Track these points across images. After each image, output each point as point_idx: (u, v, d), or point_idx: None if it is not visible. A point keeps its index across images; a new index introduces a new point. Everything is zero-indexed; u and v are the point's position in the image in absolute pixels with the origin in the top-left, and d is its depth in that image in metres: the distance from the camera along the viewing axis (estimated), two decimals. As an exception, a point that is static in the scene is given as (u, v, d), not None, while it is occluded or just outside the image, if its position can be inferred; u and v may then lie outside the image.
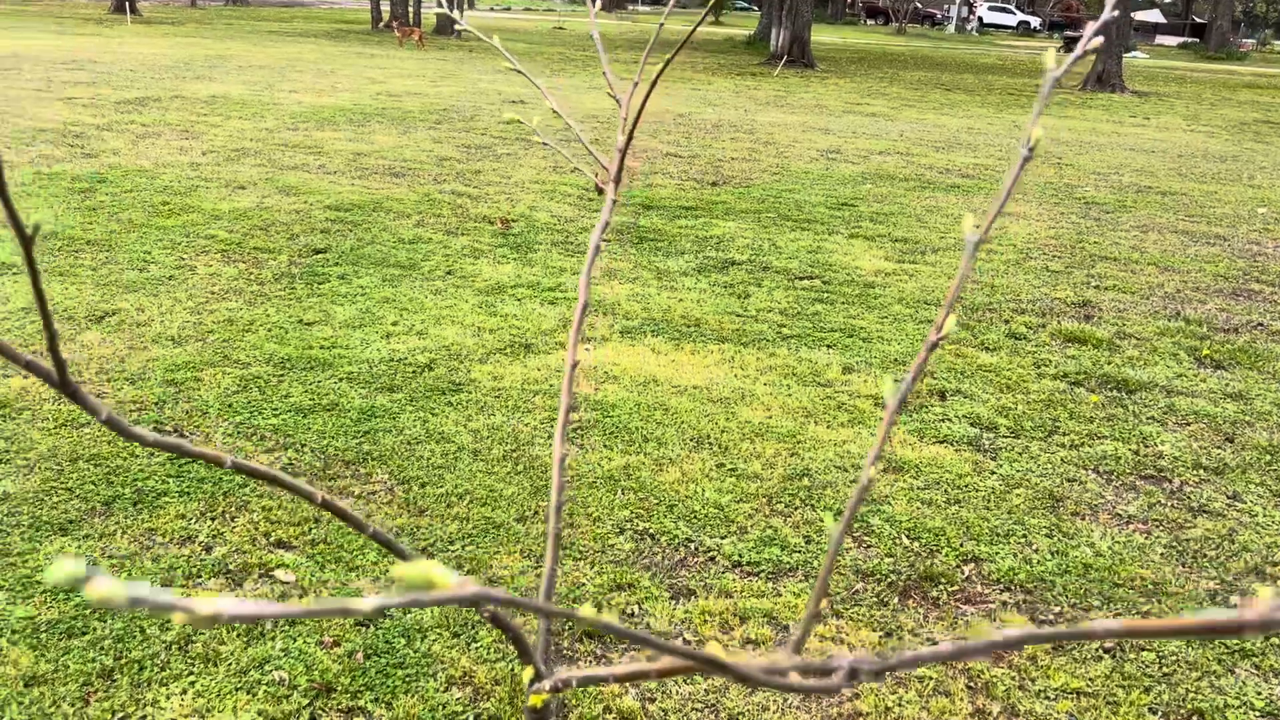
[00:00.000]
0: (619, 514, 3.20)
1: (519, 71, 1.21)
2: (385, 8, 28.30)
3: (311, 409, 3.80)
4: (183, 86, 12.94)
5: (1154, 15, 62.75)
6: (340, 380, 4.08)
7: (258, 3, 42.81)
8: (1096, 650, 2.67)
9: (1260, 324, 5.51)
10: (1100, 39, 0.67)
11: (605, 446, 3.65)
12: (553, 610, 0.37)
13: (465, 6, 30.80)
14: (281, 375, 4.09)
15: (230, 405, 3.79)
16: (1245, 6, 68.57)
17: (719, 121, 12.90)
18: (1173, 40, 56.07)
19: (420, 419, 3.79)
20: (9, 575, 2.69)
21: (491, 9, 52.18)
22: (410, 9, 28.85)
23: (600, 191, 1.14)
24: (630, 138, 1.15)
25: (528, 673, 0.92)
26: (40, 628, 2.49)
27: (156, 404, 3.77)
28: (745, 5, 56.02)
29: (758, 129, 12.39)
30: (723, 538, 3.10)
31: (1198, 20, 57.34)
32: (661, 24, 1.21)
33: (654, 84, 1.19)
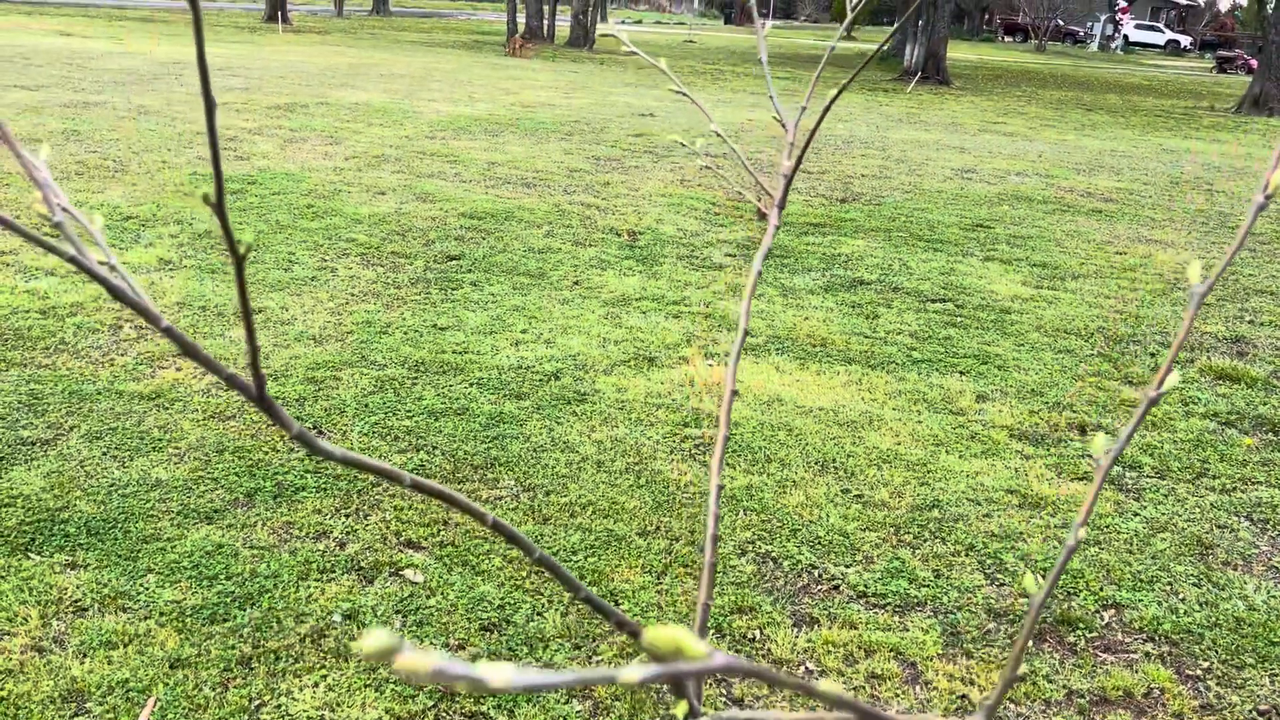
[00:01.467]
0: (740, 535, 3.17)
1: (683, 93, 1.20)
2: (521, 20, 28.95)
3: (443, 412, 3.89)
4: (328, 93, 13.49)
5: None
6: (471, 385, 4.17)
7: (399, 13, 44.39)
8: (1250, 712, 2.50)
9: None
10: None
11: (728, 465, 3.62)
12: (789, 682, 0.35)
13: (599, 20, 31.26)
14: (415, 378, 4.20)
15: (366, 405, 3.90)
16: None
17: (850, 137, 12.72)
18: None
19: (546, 427, 3.83)
20: (159, 559, 2.83)
21: (623, 22, 52.80)
22: (545, 21, 29.43)
23: (763, 217, 1.12)
24: (799, 163, 1.12)
25: (681, 708, 0.90)
26: (186, 612, 2.61)
27: (297, 400, 3.92)
28: (882, 20, 55.27)
29: (889, 146, 12.17)
30: (848, 566, 3.04)
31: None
32: (833, 47, 1.18)
33: (826, 111, 1.16)
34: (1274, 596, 3.01)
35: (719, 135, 1.33)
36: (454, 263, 5.93)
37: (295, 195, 7.28)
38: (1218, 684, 2.60)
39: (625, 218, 7.38)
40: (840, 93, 1.14)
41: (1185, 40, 59.45)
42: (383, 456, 3.51)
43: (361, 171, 8.37)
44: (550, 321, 5.03)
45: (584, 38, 27.99)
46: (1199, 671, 2.65)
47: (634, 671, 0.30)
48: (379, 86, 15.05)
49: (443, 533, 3.04)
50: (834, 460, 3.73)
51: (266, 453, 3.45)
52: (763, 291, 5.80)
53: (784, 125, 1.25)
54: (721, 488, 0.97)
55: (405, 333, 4.72)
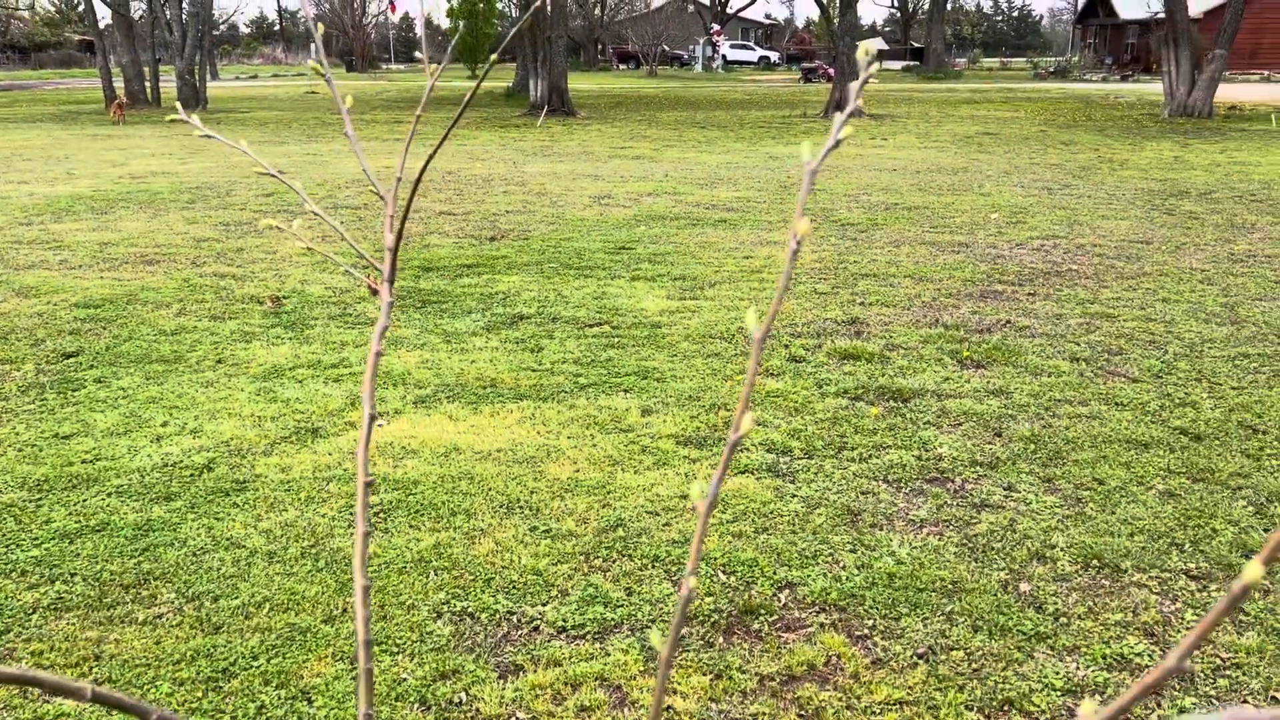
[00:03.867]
0: (434, 597, 3.08)
1: (274, 175, 1.14)
2: (119, 85, 26.63)
3: (78, 532, 3.45)
4: (-113, 186, 11.66)
5: (878, 43, 68.13)
6: (109, 496, 3.74)
7: (-31, 87, 39.29)
8: (911, 658, 2.79)
9: (1008, 321, 6.02)
10: (854, 86, 0.70)
11: (411, 527, 3.52)
12: None
13: (208, 79, 29.47)
14: (39, 499, 3.70)
15: (-21, 542, 3.38)
16: (954, 30, 75.69)
17: (489, 175, 12.90)
18: (897, 64, 61.02)
19: (205, 526, 3.52)
20: None
21: (237, 78, 50.19)
22: (148, 84, 27.29)
23: (374, 293, 1.09)
24: (400, 236, 1.10)
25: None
26: None
27: (-113, 553, 3.32)
28: (505, 58, 56.66)
29: (528, 180, 12.48)
30: (545, 604, 3.05)
31: (916, 45, 62.72)
32: (430, 86, 1.17)
33: (420, 176, 1.15)
34: (915, 547, 3.39)
35: (318, 215, 1.28)
36: (71, 360, 5.32)
37: None
38: (882, 638, 2.88)
39: (266, 284, 6.99)
40: (437, 149, 1.13)
41: (774, 56, 66.18)
42: (9, 596, 3.06)
43: (-59, 272, 7.29)
44: (194, 409, 4.64)
45: (195, 98, 26.26)
46: (865, 630, 2.93)
47: None
48: (-47, 172, 13.22)
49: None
50: (518, 500, 3.74)
51: None
52: (425, 340, 5.71)
53: (381, 198, 1.22)
54: (368, 588, 0.92)
55: (20, 449, 4.15)
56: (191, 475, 3.93)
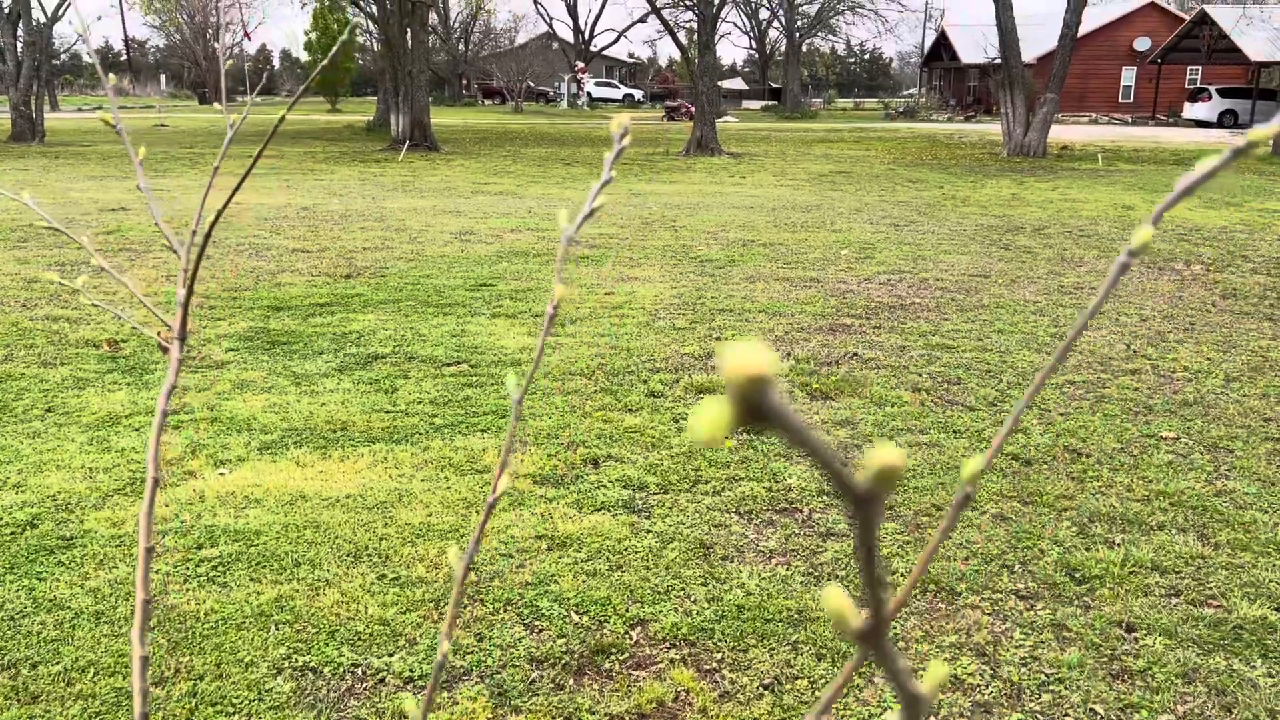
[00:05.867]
0: (274, 652, 2.97)
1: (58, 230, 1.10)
2: (-55, 114, 25.00)
3: (-122, 602, 3.19)
4: None
5: (738, 83, 70.15)
6: (-85, 559, 3.47)
7: None
8: (757, 689, 2.84)
9: (855, 354, 6.25)
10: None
11: (252, 580, 3.39)
12: None
13: (46, 110, 28.00)
14: None
15: None
16: (811, 71, 78.70)
17: (346, 212, 12.64)
18: (756, 104, 62.94)
19: (25, 587, 3.30)
20: None
21: (80, 109, 47.87)
22: (-23, 114, 25.70)
23: (164, 351, 1.06)
24: (191, 290, 1.08)
25: None
26: None
27: None
28: (365, 91, 55.82)
29: (388, 216, 12.29)
30: (391, 655, 2.97)
31: (774, 85, 64.87)
32: (234, 124, 1.15)
33: (211, 227, 1.12)
34: (764, 578, 3.46)
35: (104, 269, 1.24)
36: (-121, 413, 4.93)
37: None
38: (730, 670, 2.93)
39: (104, 327, 6.65)
40: (231, 196, 1.11)
41: (638, 94, 67.29)
42: None
43: None
44: (19, 461, 4.36)
45: (31, 131, 24.92)
46: (714, 664, 2.97)
47: None
48: None
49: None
50: (367, 547, 3.65)
51: None
52: (273, 383, 5.53)
53: (175, 251, 1.19)
54: (147, 659, 0.88)
55: None
56: (12, 533, 3.69)
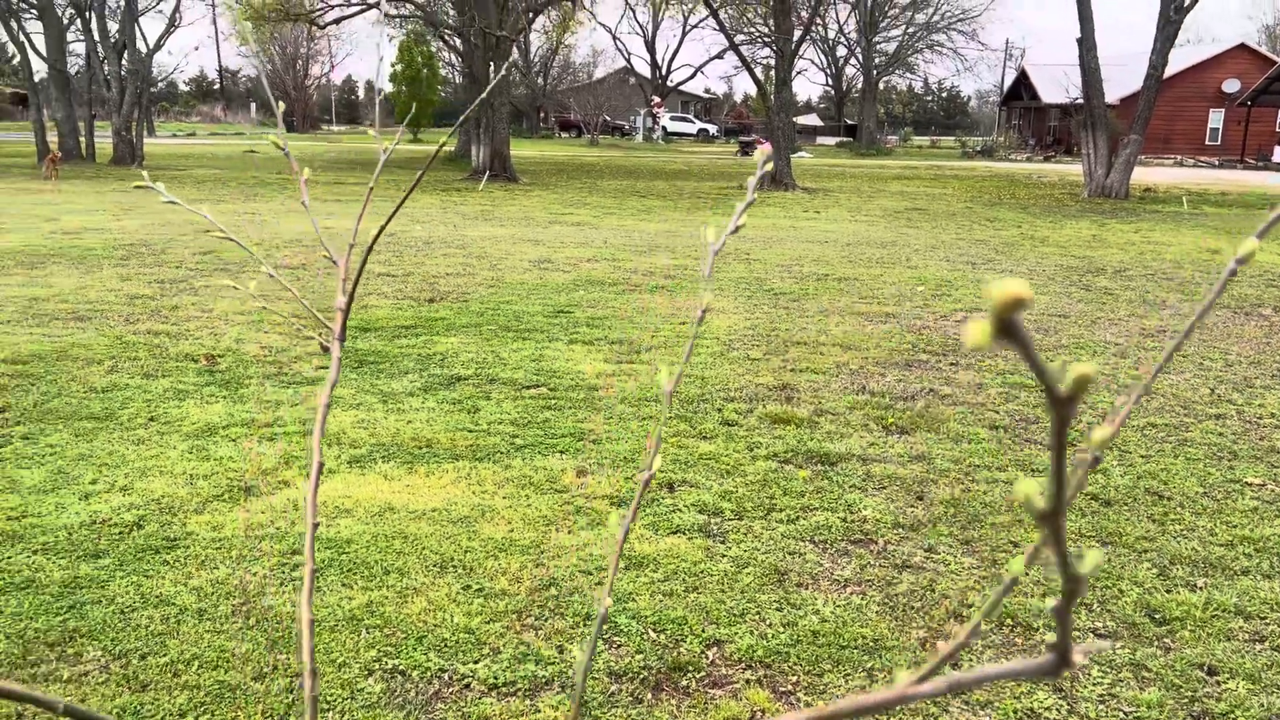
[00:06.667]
0: (365, 655, 3.10)
1: (228, 238, 1.24)
2: (54, 139, 26.30)
3: (1, 590, 3.40)
4: None
5: (813, 119, 70.26)
6: (34, 553, 3.69)
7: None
8: (833, 711, 2.88)
9: (931, 390, 6.25)
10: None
11: (344, 585, 3.53)
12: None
13: (145, 135, 29.24)
14: (-40, 556, 3.64)
15: (-103, 600, 3.32)
16: (886, 108, 78.45)
17: (429, 238, 12.99)
18: (831, 140, 62.90)
19: (134, 584, 3.49)
20: None
21: (174, 135, 49.85)
22: (83, 139, 27.00)
23: (325, 350, 1.18)
24: (351, 298, 1.20)
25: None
26: None
27: None
28: (444, 122, 57.14)
29: (469, 243, 12.60)
30: (476, 662, 3.08)
31: (849, 122, 64.79)
32: (388, 149, 1.28)
33: (371, 245, 1.25)
34: (839, 606, 3.50)
35: (273, 276, 1.37)
36: (-2, 416, 5.23)
37: None
38: (805, 694, 2.97)
39: (201, 342, 6.95)
40: (389, 220, 1.23)
41: (713, 129, 67.78)
42: (-73, 656, 3.00)
43: None
44: (125, 467, 4.60)
45: (131, 155, 26.04)
46: (789, 686, 3.02)
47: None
48: (-125, 222, 12.92)
49: (17, 728, 2.66)
50: (452, 559, 3.77)
51: None
52: (361, 400, 5.73)
53: (334, 261, 1.32)
54: (313, 621, 1.00)
55: (-58, 506, 4.08)
56: (121, 533, 3.90)
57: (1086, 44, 21.37)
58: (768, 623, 3.37)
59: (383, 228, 1.24)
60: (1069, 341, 7.71)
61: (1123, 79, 35.76)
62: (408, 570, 3.66)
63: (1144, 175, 29.46)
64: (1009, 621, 3.42)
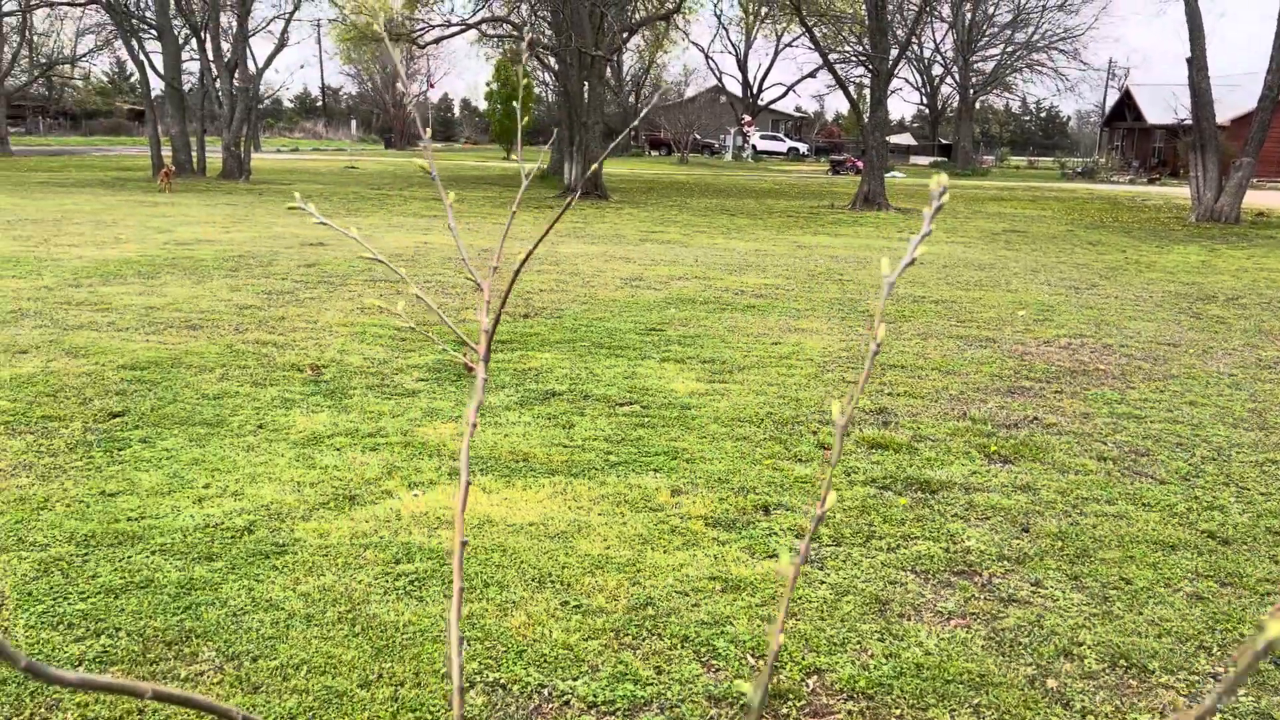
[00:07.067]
0: (467, 667, 3.13)
1: (377, 258, 1.27)
2: (167, 154, 27.49)
3: (123, 588, 3.54)
4: (-57, 244, 12.06)
5: (906, 138, 69.29)
6: (153, 553, 3.84)
7: (21, 153, 40.64)
8: (939, 747, 2.81)
9: (1035, 418, 6.08)
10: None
11: (445, 596, 3.58)
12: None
13: (252, 150, 30.34)
14: (86, 554, 3.80)
15: (30, 593, 3.48)
16: (983, 128, 77.00)
17: (523, 255, 13.16)
18: (925, 160, 61.92)
19: (245, 587, 3.60)
20: None
21: (279, 150, 51.63)
22: (194, 154, 28.15)
23: (470, 370, 1.20)
24: (498, 320, 1.22)
25: None
26: None
27: (-61, 600, 3.42)
28: (537, 141, 58.02)
29: (562, 260, 12.74)
30: (575, 679, 3.09)
31: (944, 141, 63.73)
32: (529, 172, 1.30)
33: (519, 269, 1.27)
34: (943, 639, 3.42)
35: (421, 298, 1.40)
36: (118, 420, 5.47)
37: (-88, 362, 6.41)
38: (910, 726, 2.90)
39: (306, 352, 7.16)
40: (536, 246, 1.25)
41: (803, 147, 67.36)
42: (55, 648, 3.14)
43: (-6, 328, 7.52)
44: (235, 472, 4.75)
45: (239, 169, 27.05)
46: (893, 719, 2.95)
47: None
48: (5, 234, 13.67)
49: (139, 724, 2.76)
50: (550, 574, 3.80)
51: (-95, 668, 2.98)
52: (460, 413, 5.83)
53: (479, 285, 1.34)
54: (462, 639, 1.01)
55: (68, 505, 4.27)
56: (232, 537, 4.03)
57: (1197, 64, 20.67)
58: (869, 653, 3.31)
59: (530, 253, 1.25)
60: (1180, 371, 7.42)
61: (1234, 99, 34.44)
62: (507, 584, 3.70)
63: (1256, 199, 28.29)
64: (1122, 662, 3.29)
